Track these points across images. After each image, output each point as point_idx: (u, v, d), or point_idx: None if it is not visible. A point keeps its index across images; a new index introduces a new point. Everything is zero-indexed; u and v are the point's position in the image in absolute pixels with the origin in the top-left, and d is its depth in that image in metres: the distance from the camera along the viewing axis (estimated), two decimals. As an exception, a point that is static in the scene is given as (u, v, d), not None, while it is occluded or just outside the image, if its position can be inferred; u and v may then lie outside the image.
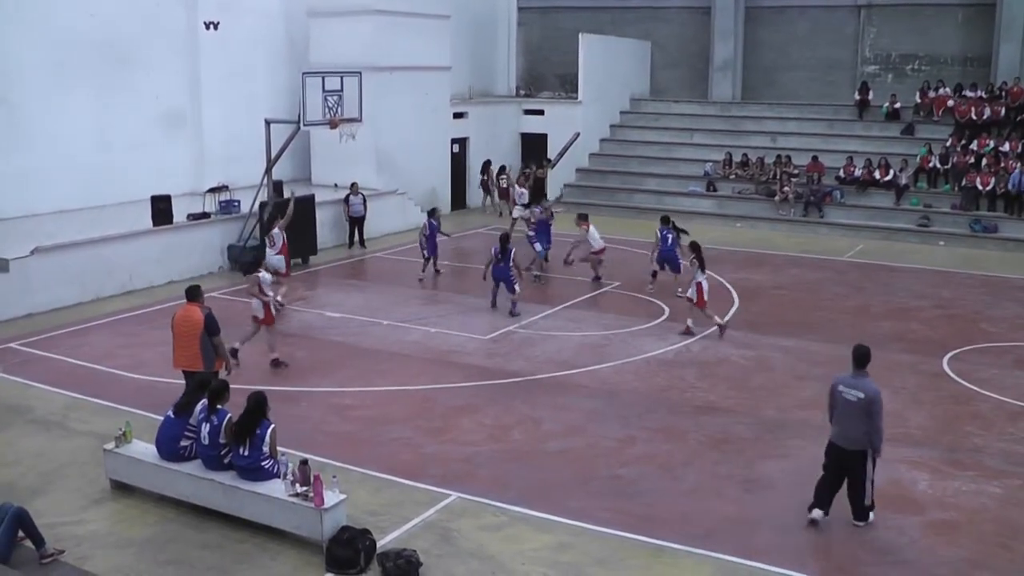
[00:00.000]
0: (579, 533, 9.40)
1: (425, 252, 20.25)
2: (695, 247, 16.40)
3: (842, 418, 9.43)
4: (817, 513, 9.54)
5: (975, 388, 13.69)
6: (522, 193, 24.30)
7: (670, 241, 18.74)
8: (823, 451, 9.62)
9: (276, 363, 14.32)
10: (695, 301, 16.04)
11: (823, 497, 9.57)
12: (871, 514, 9.57)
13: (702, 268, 16.07)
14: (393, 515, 9.66)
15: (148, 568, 8.68)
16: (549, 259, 21.00)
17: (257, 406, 9.36)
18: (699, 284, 15.99)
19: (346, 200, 23.19)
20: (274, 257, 17.62)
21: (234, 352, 13.65)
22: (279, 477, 9.29)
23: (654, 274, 19.09)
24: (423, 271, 20.28)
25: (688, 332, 16.04)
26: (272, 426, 9.40)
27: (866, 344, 9.68)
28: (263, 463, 9.32)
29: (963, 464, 11.08)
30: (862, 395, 9.30)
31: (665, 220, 19.21)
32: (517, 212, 23.80)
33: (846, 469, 9.46)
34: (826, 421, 9.70)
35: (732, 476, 10.75)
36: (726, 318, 17.01)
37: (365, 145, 23.76)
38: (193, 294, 11.57)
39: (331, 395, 13.29)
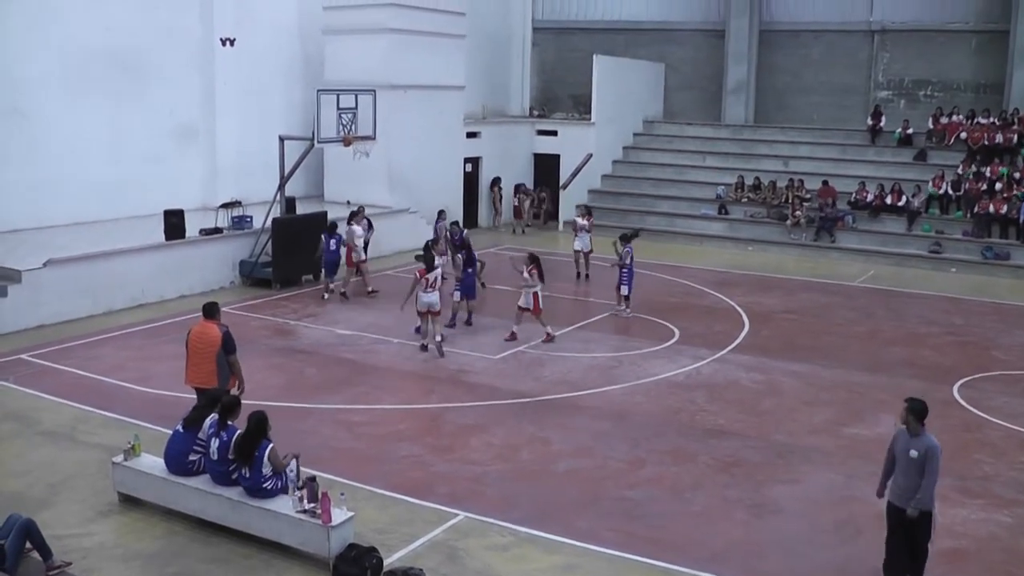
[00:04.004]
0: (586, 554, 9.36)
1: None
2: (534, 259, 16.97)
3: None
4: None
5: (985, 416, 13.62)
6: (583, 225, 22.18)
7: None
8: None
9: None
10: (531, 309, 16.80)
11: None
12: None
13: (541, 279, 16.88)
14: (400, 533, 9.64)
15: (154, 582, 8.68)
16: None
17: (257, 427, 9.30)
18: (535, 294, 16.78)
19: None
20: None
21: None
22: (286, 492, 9.29)
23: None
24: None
25: (513, 337, 16.74)
26: (271, 445, 9.31)
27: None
28: (264, 485, 9.29)
29: (973, 492, 11.01)
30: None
31: (625, 238, 19.07)
32: (579, 244, 22.23)
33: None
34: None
35: (740, 500, 10.70)
36: (735, 342, 17.06)
37: (378, 163, 23.87)
38: (210, 311, 11.36)
39: (340, 412, 13.29)
